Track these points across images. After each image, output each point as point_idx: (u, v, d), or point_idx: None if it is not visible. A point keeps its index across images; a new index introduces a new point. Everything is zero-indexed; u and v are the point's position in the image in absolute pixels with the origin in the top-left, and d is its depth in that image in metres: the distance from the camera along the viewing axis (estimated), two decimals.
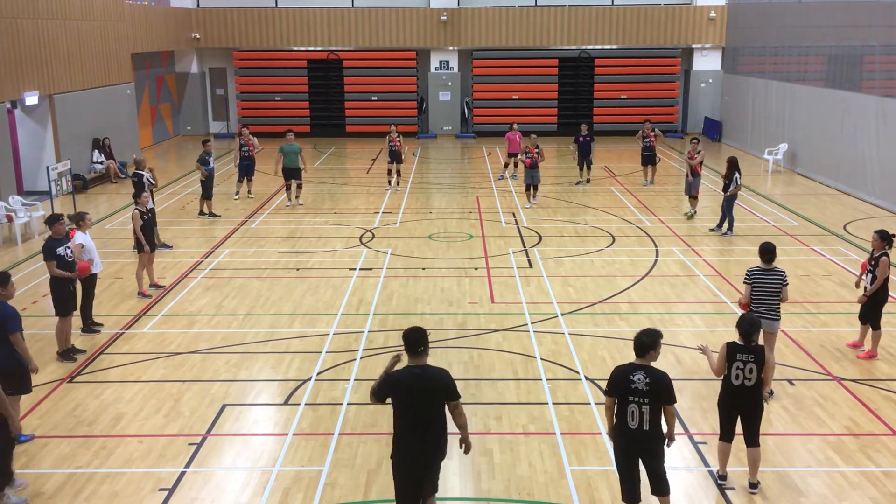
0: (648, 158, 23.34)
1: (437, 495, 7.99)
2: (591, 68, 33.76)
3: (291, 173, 20.66)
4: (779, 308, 9.80)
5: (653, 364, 6.94)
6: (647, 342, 6.90)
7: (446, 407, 6.65)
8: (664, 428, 7.00)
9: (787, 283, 9.80)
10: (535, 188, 20.69)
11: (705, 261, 15.82)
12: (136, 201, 13.97)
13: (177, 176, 25.41)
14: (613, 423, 7.05)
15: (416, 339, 6.57)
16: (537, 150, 20.43)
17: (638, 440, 6.90)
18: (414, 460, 6.59)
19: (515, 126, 24.40)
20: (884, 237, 10.77)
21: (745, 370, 7.75)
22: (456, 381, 6.71)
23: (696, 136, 22.29)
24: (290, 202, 21.01)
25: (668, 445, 7.08)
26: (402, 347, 6.65)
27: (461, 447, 6.86)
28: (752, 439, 7.97)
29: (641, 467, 7.06)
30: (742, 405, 7.89)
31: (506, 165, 25.22)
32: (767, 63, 28.59)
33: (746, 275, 9.87)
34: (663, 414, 6.92)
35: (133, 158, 17.32)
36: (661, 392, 6.81)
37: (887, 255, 10.81)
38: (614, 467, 7.45)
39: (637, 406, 6.81)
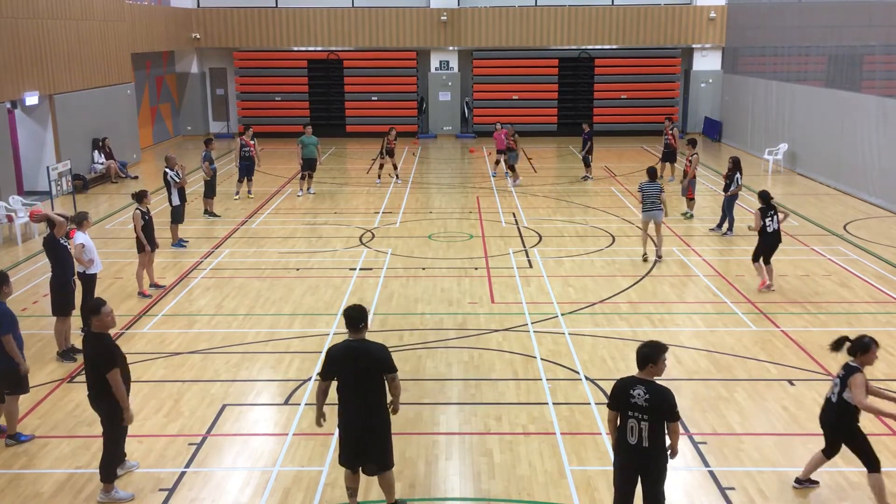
0: (667, 156, 23.57)
1: (437, 494, 8.02)
2: (591, 68, 33.75)
3: (309, 164, 22.24)
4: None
5: (656, 378, 6.68)
6: (647, 353, 6.61)
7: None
8: (668, 446, 6.72)
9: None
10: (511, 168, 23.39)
11: (705, 261, 15.82)
12: (139, 201, 13.95)
13: None
14: (615, 436, 6.79)
15: (356, 316, 7.16)
16: (514, 138, 23.12)
17: (637, 457, 6.62)
18: (356, 425, 7.20)
19: (499, 125, 24.57)
20: (762, 197, 13.90)
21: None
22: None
23: (692, 137, 22.43)
24: (302, 192, 22.28)
25: (671, 457, 6.80)
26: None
27: (389, 407, 7.40)
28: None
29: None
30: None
31: (497, 163, 25.28)
32: (767, 63, 28.59)
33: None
34: (666, 430, 6.63)
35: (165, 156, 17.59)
36: (661, 409, 6.52)
37: (762, 210, 13.73)
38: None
39: (636, 422, 6.54)
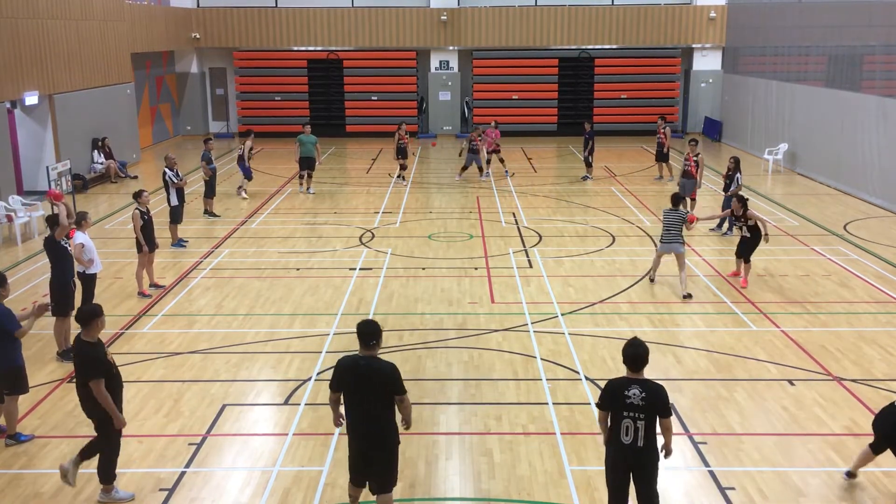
0: (659, 156, 23.51)
1: (437, 494, 8.01)
2: (591, 68, 33.74)
3: (307, 163, 22.28)
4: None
5: (646, 376, 6.69)
6: (641, 354, 6.61)
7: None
8: (660, 444, 6.73)
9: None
10: (479, 168, 24.12)
11: (705, 261, 15.82)
12: (138, 201, 13.97)
13: None
14: (608, 435, 6.79)
15: (369, 332, 6.83)
16: (481, 139, 23.72)
17: (631, 456, 6.63)
18: (361, 441, 6.95)
19: (494, 124, 24.61)
20: (740, 199, 14.45)
21: None
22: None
23: (694, 137, 22.39)
24: (302, 188, 22.59)
25: (666, 457, 6.83)
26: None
27: (402, 425, 7.17)
28: None
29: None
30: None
31: (488, 162, 24.88)
32: (767, 63, 28.60)
33: None
34: (659, 427, 6.64)
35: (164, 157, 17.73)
36: (656, 406, 6.54)
37: (746, 209, 14.31)
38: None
39: (632, 421, 6.54)
